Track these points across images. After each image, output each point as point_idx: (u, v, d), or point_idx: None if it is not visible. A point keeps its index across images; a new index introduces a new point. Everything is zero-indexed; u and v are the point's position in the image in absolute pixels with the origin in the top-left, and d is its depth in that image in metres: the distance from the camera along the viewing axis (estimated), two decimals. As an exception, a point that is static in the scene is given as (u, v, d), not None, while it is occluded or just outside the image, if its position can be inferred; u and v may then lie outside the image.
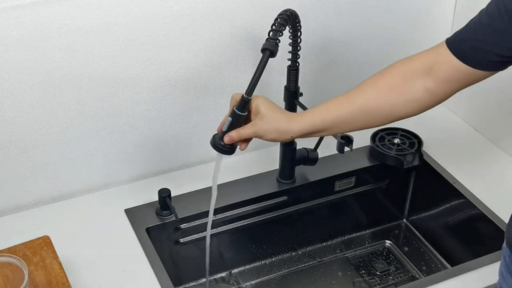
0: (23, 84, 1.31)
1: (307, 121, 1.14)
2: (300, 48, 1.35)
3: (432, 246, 1.68)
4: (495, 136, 1.69)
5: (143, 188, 1.52)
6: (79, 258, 1.31)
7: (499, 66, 1.01)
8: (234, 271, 1.60)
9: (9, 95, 1.31)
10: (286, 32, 1.31)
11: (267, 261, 1.64)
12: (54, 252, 1.23)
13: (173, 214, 1.43)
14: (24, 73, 1.29)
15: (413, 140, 1.64)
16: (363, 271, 1.63)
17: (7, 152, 1.37)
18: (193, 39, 1.41)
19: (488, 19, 0.98)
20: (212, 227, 1.50)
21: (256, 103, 1.15)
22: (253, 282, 1.59)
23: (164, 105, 1.47)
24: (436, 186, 1.62)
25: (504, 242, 1.13)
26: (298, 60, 1.38)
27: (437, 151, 1.66)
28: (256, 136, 1.16)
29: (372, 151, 1.64)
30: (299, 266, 1.64)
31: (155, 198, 1.45)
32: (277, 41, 1.15)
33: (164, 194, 1.42)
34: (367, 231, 1.74)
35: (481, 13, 1.01)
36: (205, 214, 1.47)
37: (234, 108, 1.15)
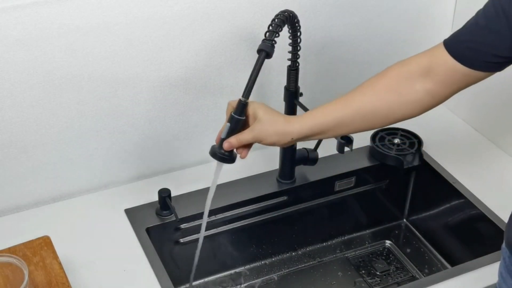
0: (23, 84, 1.31)
1: (307, 122, 1.13)
2: (300, 48, 1.35)
3: (432, 246, 1.68)
4: (495, 136, 1.69)
5: (143, 188, 1.52)
6: (79, 258, 1.31)
7: (496, 67, 1.01)
8: (234, 271, 1.60)
9: (9, 95, 1.31)
10: (286, 33, 1.31)
11: (267, 261, 1.64)
12: (54, 252, 1.23)
13: (173, 214, 1.43)
14: (24, 73, 1.29)
15: (413, 140, 1.64)
16: (363, 271, 1.63)
17: (7, 152, 1.37)
18: (193, 39, 1.41)
19: (485, 20, 0.98)
20: (212, 227, 1.51)
21: (253, 108, 1.14)
22: (253, 282, 1.59)
23: (164, 105, 1.47)
24: (436, 186, 1.62)
25: (504, 243, 1.13)
26: (298, 60, 1.38)
27: (437, 151, 1.66)
28: (256, 141, 1.13)
29: (372, 151, 1.64)
30: (299, 266, 1.64)
31: (155, 198, 1.45)
32: (273, 42, 1.15)
33: (164, 194, 1.42)
34: (367, 231, 1.74)
35: (478, 14, 1.01)
36: (205, 214, 1.48)
37: (232, 113, 1.13)
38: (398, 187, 1.70)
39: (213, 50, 1.45)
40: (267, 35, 1.16)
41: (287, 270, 1.63)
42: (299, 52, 1.36)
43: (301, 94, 1.43)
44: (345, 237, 1.71)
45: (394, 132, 1.65)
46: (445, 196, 1.60)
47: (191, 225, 1.47)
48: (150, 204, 1.47)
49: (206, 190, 1.51)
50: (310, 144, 1.52)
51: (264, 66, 1.52)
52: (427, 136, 1.66)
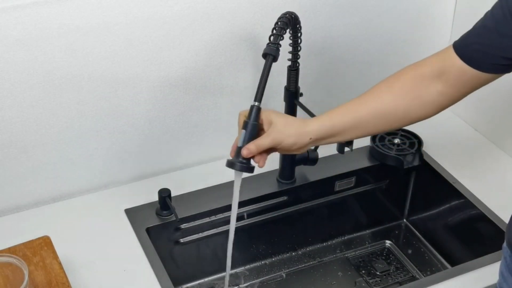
0: (23, 84, 1.31)
1: (324, 122, 1.11)
2: (300, 49, 1.35)
3: (432, 246, 1.68)
4: (495, 136, 1.69)
5: (143, 188, 1.52)
6: (79, 258, 1.31)
7: (505, 69, 1.01)
8: (234, 271, 1.60)
9: (9, 95, 1.31)
10: (287, 33, 1.31)
11: (267, 261, 1.64)
12: (54, 252, 1.23)
13: (173, 214, 1.43)
14: (24, 73, 1.29)
15: (413, 140, 1.64)
16: (363, 271, 1.63)
17: (7, 152, 1.37)
18: (193, 39, 1.41)
19: (493, 22, 0.98)
20: (212, 227, 1.51)
21: (267, 114, 1.12)
22: (253, 282, 1.59)
23: (164, 105, 1.47)
24: (436, 186, 1.62)
25: (505, 242, 1.13)
26: (298, 61, 1.38)
27: (437, 151, 1.66)
28: (274, 144, 1.10)
29: (372, 151, 1.64)
30: (299, 266, 1.64)
31: (155, 198, 1.45)
32: (278, 45, 1.14)
33: (164, 194, 1.42)
34: (367, 231, 1.74)
35: (486, 15, 1.01)
36: (205, 214, 1.48)
37: (246, 119, 1.10)
38: (398, 187, 1.70)
39: (213, 50, 1.45)
40: (271, 38, 1.15)
41: (287, 270, 1.63)
42: (299, 53, 1.36)
43: (301, 94, 1.43)
44: (345, 237, 1.71)
45: (394, 132, 1.65)
46: (445, 196, 1.60)
47: (191, 225, 1.47)
48: (150, 204, 1.47)
49: (206, 190, 1.52)
50: (310, 144, 1.52)
51: (264, 66, 1.53)
52: (427, 136, 1.66)
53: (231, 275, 1.60)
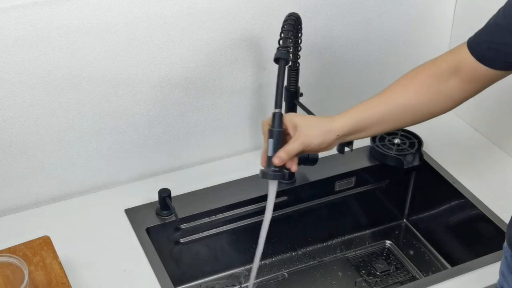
0: (23, 84, 1.31)
1: (349, 118, 1.12)
2: (300, 49, 1.35)
3: (432, 246, 1.68)
4: (495, 136, 1.69)
5: (143, 188, 1.52)
6: (79, 258, 1.31)
7: None
8: (234, 271, 1.60)
9: (9, 95, 1.31)
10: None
11: (267, 261, 1.64)
12: (54, 252, 1.23)
13: (173, 214, 1.43)
14: (24, 73, 1.29)
15: (413, 140, 1.64)
16: (363, 271, 1.63)
17: (7, 152, 1.37)
18: (193, 39, 1.41)
19: (505, 20, 0.99)
20: (212, 227, 1.51)
21: (290, 118, 1.12)
22: (253, 282, 1.59)
23: (164, 105, 1.47)
24: (436, 186, 1.62)
25: (505, 242, 1.13)
26: (298, 61, 1.38)
27: (437, 151, 1.66)
28: (303, 148, 1.10)
29: (372, 151, 1.64)
30: (299, 266, 1.64)
31: (155, 198, 1.45)
32: (289, 48, 1.15)
33: (164, 194, 1.42)
34: (367, 231, 1.74)
35: (498, 13, 1.02)
36: (205, 214, 1.48)
37: (270, 128, 1.09)
38: (398, 187, 1.70)
39: (213, 50, 1.45)
40: (281, 42, 1.15)
41: (287, 270, 1.63)
42: (299, 53, 1.36)
43: (301, 94, 1.43)
44: (345, 237, 1.71)
45: (394, 132, 1.65)
46: (445, 196, 1.60)
47: (191, 225, 1.47)
48: (150, 204, 1.47)
49: (206, 190, 1.52)
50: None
51: (264, 66, 1.53)
52: (427, 136, 1.66)
53: (231, 275, 1.60)
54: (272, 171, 1.08)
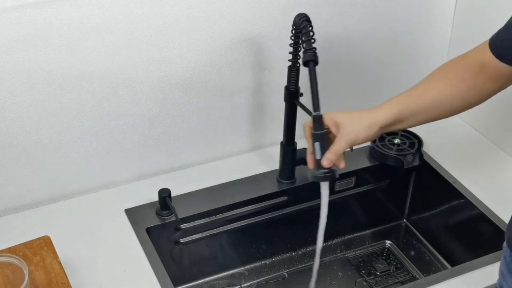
0: (23, 84, 1.31)
1: (390, 109, 1.14)
2: (301, 49, 1.35)
3: (432, 246, 1.68)
4: (495, 136, 1.69)
5: (143, 188, 1.52)
6: (79, 258, 1.31)
7: None
8: (234, 271, 1.60)
9: (9, 95, 1.31)
10: (288, 33, 1.31)
11: (267, 261, 1.64)
12: (54, 252, 1.23)
13: (173, 214, 1.42)
14: (24, 73, 1.29)
15: (413, 140, 1.64)
16: (364, 271, 1.63)
17: (7, 152, 1.37)
18: (193, 39, 1.41)
19: None
20: (212, 227, 1.51)
21: (330, 117, 1.14)
22: (253, 282, 1.59)
23: (164, 105, 1.47)
24: (436, 186, 1.62)
25: (505, 242, 1.13)
26: (299, 61, 1.38)
27: (437, 151, 1.66)
28: (349, 145, 1.13)
29: (372, 151, 1.64)
30: (299, 266, 1.64)
31: (155, 198, 1.45)
32: (315, 49, 1.16)
33: (164, 194, 1.42)
34: (367, 231, 1.74)
35: None
36: (205, 214, 1.48)
37: (314, 131, 1.12)
38: (398, 187, 1.70)
39: (213, 50, 1.45)
40: (305, 45, 1.16)
41: (287, 270, 1.63)
42: (299, 53, 1.36)
43: (301, 94, 1.43)
44: (345, 237, 1.71)
45: (394, 132, 1.65)
46: (445, 196, 1.60)
47: (191, 225, 1.47)
48: (150, 204, 1.47)
49: (206, 190, 1.52)
50: (310, 144, 1.52)
51: (264, 66, 1.53)
52: (427, 136, 1.66)
53: (230, 275, 1.60)
54: (322, 173, 1.12)
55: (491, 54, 1.07)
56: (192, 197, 1.50)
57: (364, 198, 1.67)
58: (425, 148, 1.64)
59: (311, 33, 1.18)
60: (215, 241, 1.53)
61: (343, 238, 1.71)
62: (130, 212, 1.45)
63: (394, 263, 1.66)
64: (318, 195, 1.61)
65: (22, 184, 1.43)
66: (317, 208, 1.62)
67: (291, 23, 1.29)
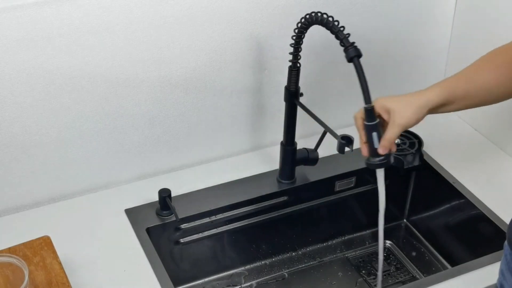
0: (23, 84, 1.31)
1: (439, 91, 1.16)
2: (301, 49, 1.35)
3: (432, 246, 1.68)
4: (495, 136, 1.69)
5: (143, 188, 1.52)
6: (79, 258, 1.31)
7: None
8: (234, 271, 1.60)
9: (10, 95, 1.31)
10: (290, 33, 1.31)
11: (267, 261, 1.64)
12: (54, 252, 1.23)
13: (173, 214, 1.43)
14: (24, 73, 1.29)
15: (413, 140, 1.64)
16: (364, 271, 1.63)
17: (7, 152, 1.37)
18: (193, 39, 1.41)
19: None
20: (212, 227, 1.51)
21: (380, 105, 1.16)
22: (253, 282, 1.59)
23: (164, 105, 1.47)
24: (436, 186, 1.62)
25: (506, 240, 1.13)
26: (299, 61, 1.38)
27: (437, 152, 1.66)
28: (402, 129, 1.16)
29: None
30: (299, 266, 1.64)
31: (155, 198, 1.45)
32: (354, 43, 1.17)
33: (164, 194, 1.42)
34: (367, 231, 1.74)
35: None
36: (205, 214, 1.48)
37: (366, 123, 1.15)
38: (398, 187, 1.70)
39: (213, 50, 1.45)
40: (344, 42, 1.17)
41: (287, 270, 1.63)
42: (300, 53, 1.36)
43: (301, 94, 1.43)
44: (345, 237, 1.71)
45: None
46: (445, 196, 1.60)
47: (191, 225, 1.47)
48: (150, 204, 1.47)
49: (206, 190, 1.52)
50: (310, 144, 1.52)
51: (264, 66, 1.53)
52: (427, 136, 1.66)
53: (231, 275, 1.60)
54: (380, 160, 1.17)
55: None
56: (192, 197, 1.50)
57: (364, 198, 1.67)
58: (425, 148, 1.64)
59: (342, 28, 1.18)
60: (215, 241, 1.53)
61: (343, 238, 1.71)
62: (130, 212, 1.45)
63: (394, 263, 1.66)
64: (318, 195, 1.61)
65: (22, 184, 1.43)
66: (317, 208, 1.63)
67: (291, 23, 1.29)
